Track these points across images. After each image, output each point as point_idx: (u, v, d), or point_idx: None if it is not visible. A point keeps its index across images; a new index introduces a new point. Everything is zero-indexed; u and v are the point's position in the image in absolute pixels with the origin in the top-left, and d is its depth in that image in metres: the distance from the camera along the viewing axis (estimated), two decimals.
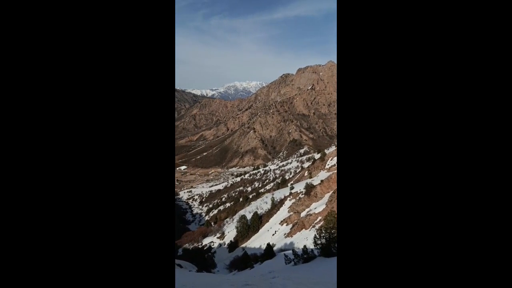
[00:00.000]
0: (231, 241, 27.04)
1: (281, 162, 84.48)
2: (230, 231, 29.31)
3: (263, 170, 75.94)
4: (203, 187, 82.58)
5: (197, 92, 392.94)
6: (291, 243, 18.82)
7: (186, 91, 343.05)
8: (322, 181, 27.16)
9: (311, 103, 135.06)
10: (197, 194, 74.12)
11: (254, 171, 77.90)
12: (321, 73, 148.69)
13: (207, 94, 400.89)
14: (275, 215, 27.81)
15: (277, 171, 68.77)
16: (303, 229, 20.27)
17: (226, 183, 76.47)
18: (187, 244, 31.27)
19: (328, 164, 37.11)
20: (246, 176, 75.49)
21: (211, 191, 73.48)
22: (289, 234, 21.00)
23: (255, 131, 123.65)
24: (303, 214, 23.86)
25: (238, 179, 75.64)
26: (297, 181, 41.51)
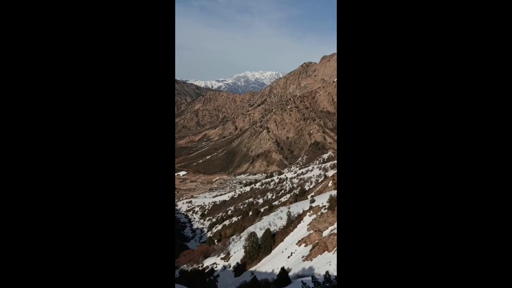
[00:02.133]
0: (237, 263, 27.07)
1: (299, 169, 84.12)
2: (237, 251, 29.37)
3: (277, 178, 75.82)
4: (205, 197, 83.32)
5: (201, 83, 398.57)
6: (311, 268, 18.63)
7: (187, 82, 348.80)
8: None
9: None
10: (198, 206, 74.84)
11: (267, 180, 77.91)
12: None
13: (212, 86, 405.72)
14: (291, 234, 27.66)
15: (295, 180, 68.48)
16: (326, 252, 20.05)
17: (233, 193, 76.84)
18: (185, 265, 31.57)
19: None
20: (257, 185, 75.59)
21: (214, 202, 74.04)
22: (308, 257, 20.81)
23: (269, 131, 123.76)
24: (325, 233, 23.61)
25: (248, 188, 75.84)
26: (319, 192, 41.17)
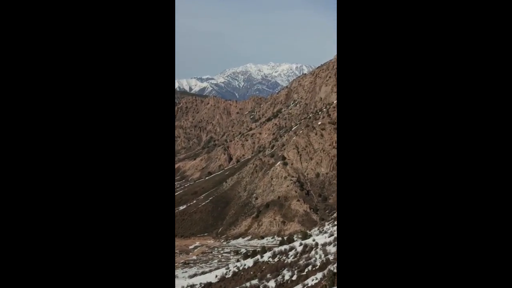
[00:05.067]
0: None
1: None
2: None
3: (301, 244, 74.98)
4: (177, 276, 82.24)
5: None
6: None
7: None
8: None
9: None
10: None
11: (283, 247, 77.01)
12: None
13: (191, 88, 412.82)
14: None
15: (331, 248, 67.60)
16: None
17: (224, 270, 75.85)
18: None
19: None
20: (266, 256, 74.65)
21: (192, 285, 73.09)
22: None
23: (285, 164, 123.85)
24: None
25: (250, 262, 74.90)
26: None
